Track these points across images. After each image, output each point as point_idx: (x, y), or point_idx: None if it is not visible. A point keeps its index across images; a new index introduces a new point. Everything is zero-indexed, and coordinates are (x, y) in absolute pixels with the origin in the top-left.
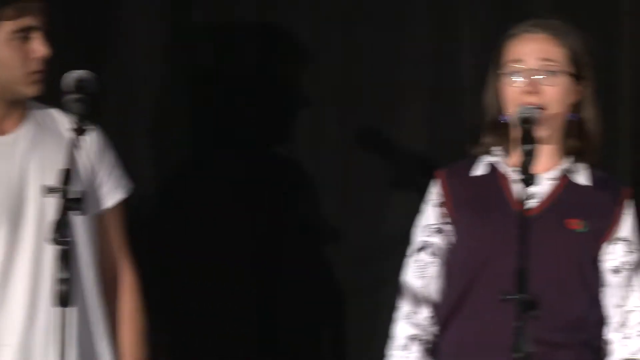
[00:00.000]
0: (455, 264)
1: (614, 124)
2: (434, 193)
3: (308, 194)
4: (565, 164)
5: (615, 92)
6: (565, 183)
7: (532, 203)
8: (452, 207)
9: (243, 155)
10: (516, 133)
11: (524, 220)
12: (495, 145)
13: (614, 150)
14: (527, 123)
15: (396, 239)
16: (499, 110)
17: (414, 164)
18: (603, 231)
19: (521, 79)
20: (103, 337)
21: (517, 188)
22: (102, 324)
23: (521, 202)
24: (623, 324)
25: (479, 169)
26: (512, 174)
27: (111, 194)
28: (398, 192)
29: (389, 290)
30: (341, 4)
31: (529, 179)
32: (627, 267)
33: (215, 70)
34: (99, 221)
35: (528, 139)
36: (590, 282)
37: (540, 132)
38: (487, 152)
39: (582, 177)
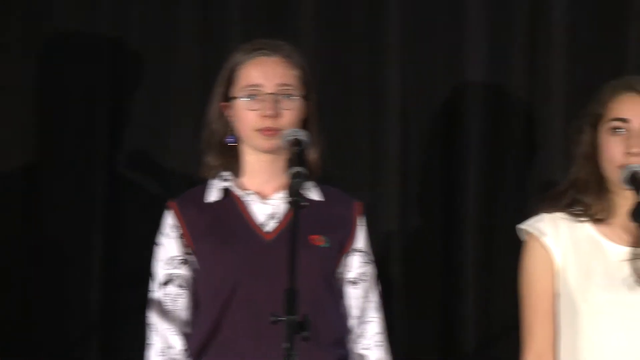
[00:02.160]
0: (204, 293)
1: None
2: (170, 224)
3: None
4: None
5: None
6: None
7: (272, 224)
8: (191, 237)
9: None
10: (251, 156)
11: (294, 241)
12: (223, 168)
13: None
14: (297, 146)
15: None
16: (226, 132)
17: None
18: (342, 244)
19: (260, 102)
20: None
21: (256, 210)
22: None
23: (293, 223)
24: (361, 335)
25: (213, 195)
26: (248, 197)
27: None
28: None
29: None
30: None
31: (298, 201)
32: (363, 278)
33: None
34: None
35: (297, 161)
36: (338, 297)
37: (276, 153)
38: (217, 176)
39: (314, 194)
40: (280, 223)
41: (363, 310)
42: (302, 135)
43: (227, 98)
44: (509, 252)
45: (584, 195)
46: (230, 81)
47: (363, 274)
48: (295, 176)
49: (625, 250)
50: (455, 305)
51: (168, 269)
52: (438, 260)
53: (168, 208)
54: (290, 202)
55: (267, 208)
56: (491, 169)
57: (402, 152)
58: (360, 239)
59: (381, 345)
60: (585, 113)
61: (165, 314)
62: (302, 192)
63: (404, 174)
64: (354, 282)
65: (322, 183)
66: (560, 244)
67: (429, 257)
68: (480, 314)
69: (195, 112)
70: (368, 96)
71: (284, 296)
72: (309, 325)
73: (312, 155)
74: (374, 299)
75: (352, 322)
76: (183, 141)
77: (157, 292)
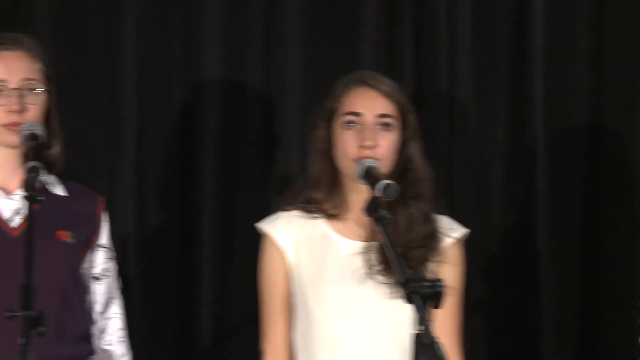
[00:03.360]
0: None
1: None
2: None
3: None
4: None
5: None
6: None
7: (17, 220)
8: None
9: None
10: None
11: (30, 238)
12: None
13: None
14: (33, 140)
15: None
16: None
17: None
18: (88, 240)
19: (5, 98)
20: None
21: (1, 206)
22: None
23: (29, 218)
24: (104, 331)
25: None
26: None
27: None
28: None
29: None
30: None
31: (34, 196)
32: (107, 274)
33: None
34: None
35: (32, 155)
36: (84, 292)
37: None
38: None
39: (58, 189)
40: (25, 219)
41: (106, 306)
42: (38, 129)
43: None
44: (249, 249)
45: (317, 192)
46: None
47: (106, 269)
48: (31, 171)
49: (358, 245)
50: (192, 301)
51: None
52: (175, 256)
53: None
54: (25, 197)
55: (12, 204)
56: (230, 165)
57: (138, 149)
58: (104, 235)
59: (123, 341)
60: (320, 108)
61: None
62: (38, 186)
63: (140, 170)
64: (97, 278)
65: (64, 178)
66: (293, 243)
67: (166, 253)
68: (219, 310)
69: None
70: (104, 92)
71: (21, 291)
72: (45, 320)
73: (54, 149)
74: (116, 295)
75: (96, 317)
76: None
77: None
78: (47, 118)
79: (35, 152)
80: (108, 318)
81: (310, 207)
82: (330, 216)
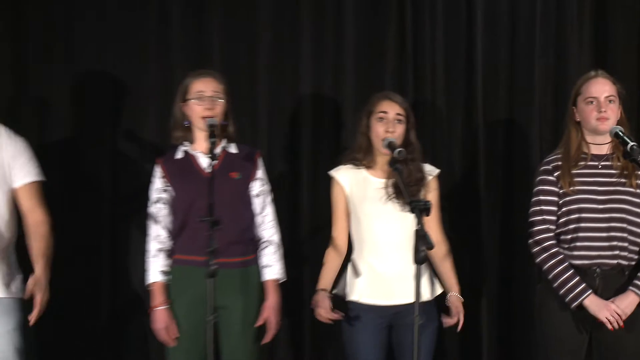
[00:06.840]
0: (176, 206)
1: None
2: (157, 171)
3: None
4: (223, 143)
5: None
6: (225, 154)
7: (209, 168)
8: (169, 177)
9: None
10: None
11: (212, 178)
12: (184, 139)
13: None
14: (210, 127)
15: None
16: (184, 117)
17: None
18: (249, 175)
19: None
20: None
21: (203, 162)
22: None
23: (210, 168)
24: (263, 222)
25: (179, 154)
26: (198, 155)
27: (23, 178)
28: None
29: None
30: None
31: (213, 157)
32: (262, 193)
33: None
34: (18, 192)
35: (211, 134)
36: (248, 205)
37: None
38: (181, 144)
39: (233, 149)
40: (215, 166)
41: (262, 209)
42: (214, 122)
43: None
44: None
45: (360, 154)
46: None
47: (261, 191)
48: (212, 142)
49: (383, 182)
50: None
51: (156, 194)
52: None
53: (156, 163)
54: (210, 157)
55: (206, 159)
56: (323, 146)
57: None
58: (259, 172)
59: (273, 227)
60: (363, 109)
61: (156, 217)
62: (214, 149)
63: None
64: (257, 195)
65: (237, 143)
66: (347, 182)
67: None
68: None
69: None
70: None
71: (207, 206)
72: (221, 222)
73: (230, 129)
74: (268, 203)
75: (256, 216)
76: None
77: (152, 206)
78: (226, 114)
79: (212, 133)
80: (264, 215)
81: (357, 162)
82: (368, 167)
